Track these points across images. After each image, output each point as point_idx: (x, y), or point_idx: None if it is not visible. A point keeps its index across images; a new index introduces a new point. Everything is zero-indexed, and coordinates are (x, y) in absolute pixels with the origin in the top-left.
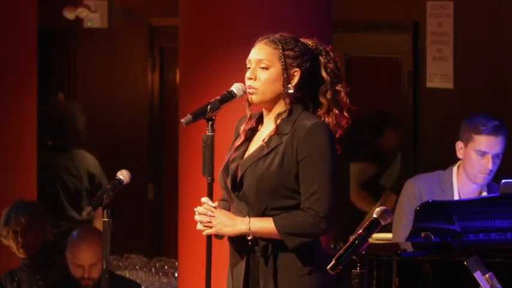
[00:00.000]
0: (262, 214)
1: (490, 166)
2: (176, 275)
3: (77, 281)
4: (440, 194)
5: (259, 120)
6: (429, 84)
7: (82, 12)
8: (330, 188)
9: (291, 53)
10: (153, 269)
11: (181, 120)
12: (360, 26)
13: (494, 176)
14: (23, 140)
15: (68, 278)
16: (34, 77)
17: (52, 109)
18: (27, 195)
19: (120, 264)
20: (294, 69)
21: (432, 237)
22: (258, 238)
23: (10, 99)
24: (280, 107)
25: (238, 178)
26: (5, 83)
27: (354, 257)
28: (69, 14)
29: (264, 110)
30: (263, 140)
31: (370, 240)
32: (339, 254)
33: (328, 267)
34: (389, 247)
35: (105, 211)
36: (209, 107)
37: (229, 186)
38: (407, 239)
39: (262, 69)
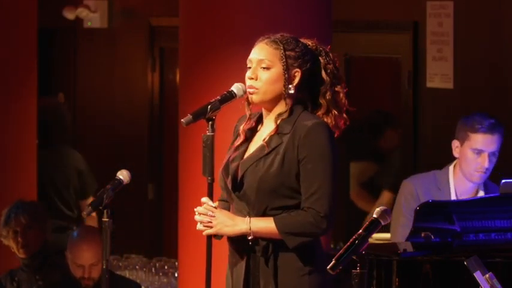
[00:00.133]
0: (263, 214)
1: (486, 164)
2: (176, 275)
3: (77, 281)
4: (437, 193)
5: (259, 120)
6: (429, 84)
7: (82, 12)
8: (331, 187)
9: (292, 53)
10: (153, 269)
11: (182, 120)
12: (360, 26)
13: (491, 174)
14: (23, 140)
15: (68, 278)
16: (34, 77)
17: (38, 107)
18: (27, 195)
19: (120, 264)
20: (294, 70)
21: (432, 237)
22: (258, 238)
23: (10, 99)
24: (281, 107)
25: (239, 178)
26: (5, 83)
27: (354, 257)
28: (69, 14)
29: (263, 110)
30: (264, 140)
31: (370, 240)
32: (339, 254)
33: (328, 267)
34: (389, 247)
35: (105, 211)
36: (209, 107)
37: (229, 186)
38: (407, 239)
39: (263, 69)
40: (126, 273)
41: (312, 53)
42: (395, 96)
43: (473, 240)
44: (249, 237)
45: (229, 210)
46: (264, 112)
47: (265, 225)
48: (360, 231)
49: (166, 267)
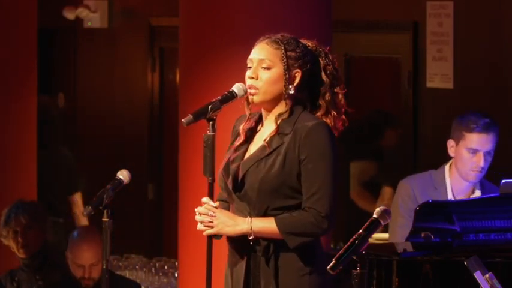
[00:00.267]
0: (264, 214)
1: (481, 163)
2: (176, 275)
3: (77, 281)
4: (433, 193)
5: (258, 120)
6: (429, 84)
7: (82, 12)
8: (331, 187)
9: (293, 54)
10: (153, 269)
11: (183, 120)
12: (360, 26)
13: (490, 173)
14: (23, 140)
15: (68, 278)
16: (34, 77)
17: None
18: (27, 195)
19: (120, 264)
20: (295, 70)
21: (432, 237)
22: (259, 238)
23: (10, 99)
24: (281, 108)
25: (240, 178)
26: (5, 83)
27: (354, 257)
28: (69, 14)
29: (263, 110)
30: (265, 140)
31: (370, 240)
32: (339, 254)
33: (328, 267)
34: (389, 247)
35: (105, 211)
36: (210, 107)
37: (230, 186)
38: (407, 239)
39: (264, 69)
40: (126, 273)
41: (312, 53)
42: (395, 96)
43: (473, 240)
44: (250, 237)
45: (229, 210)
46: (264, 112)
47: (266, 225)
48: (360, 231)
49: (166, 267)
